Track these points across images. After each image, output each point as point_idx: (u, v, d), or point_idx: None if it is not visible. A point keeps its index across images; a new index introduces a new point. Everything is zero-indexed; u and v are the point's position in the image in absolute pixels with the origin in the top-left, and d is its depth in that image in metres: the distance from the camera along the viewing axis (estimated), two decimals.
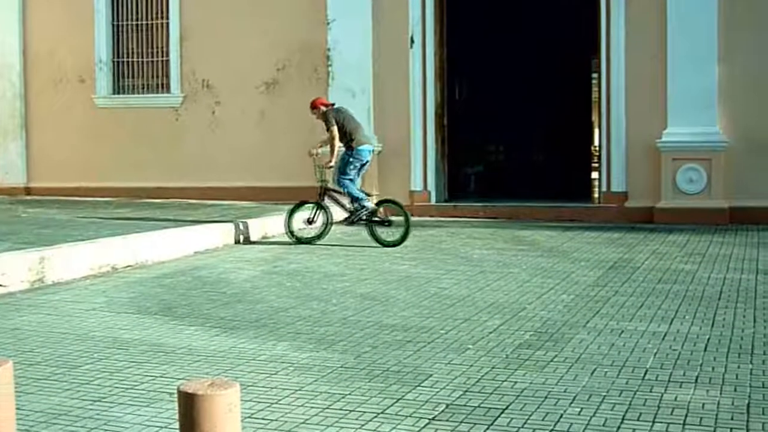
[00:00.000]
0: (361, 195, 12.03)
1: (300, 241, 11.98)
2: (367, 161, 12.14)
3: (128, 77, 17.53)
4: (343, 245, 11.93)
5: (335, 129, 11.80)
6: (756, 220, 13.74)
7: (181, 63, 17.01)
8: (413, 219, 14.98)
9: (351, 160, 11.91)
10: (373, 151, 12.43)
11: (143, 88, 17.48)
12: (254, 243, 12.17)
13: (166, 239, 10.89)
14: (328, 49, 15.75)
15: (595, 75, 17.88)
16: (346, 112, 12.15)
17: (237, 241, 12.05)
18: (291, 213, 12.21)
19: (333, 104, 12.36)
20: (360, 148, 11.93)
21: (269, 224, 12.97)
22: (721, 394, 5.31)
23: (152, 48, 17.31)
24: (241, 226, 12.34)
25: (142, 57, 17.39)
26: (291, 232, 12.08)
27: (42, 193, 17.38)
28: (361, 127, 12.15)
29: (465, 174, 17.89)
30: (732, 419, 4.87)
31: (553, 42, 18.96)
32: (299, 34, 16.20)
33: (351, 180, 12.00)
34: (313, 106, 12.16)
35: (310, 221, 12.18)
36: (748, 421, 4.85)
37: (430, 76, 15.62)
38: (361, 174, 12.32)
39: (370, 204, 12.03)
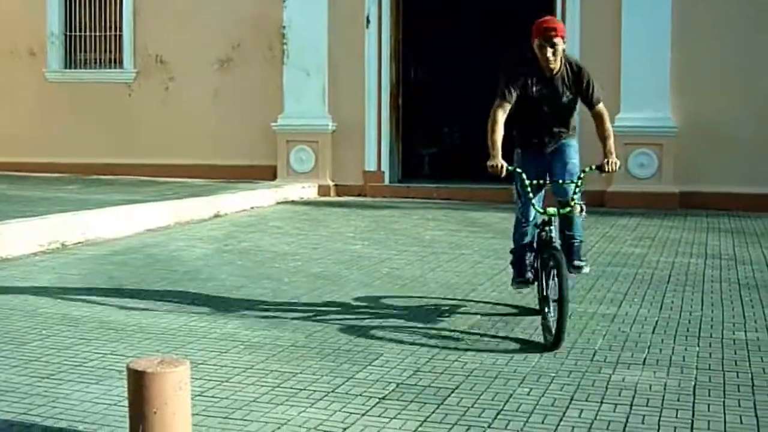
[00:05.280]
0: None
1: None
2: None
3: (80, 51, 17.28)
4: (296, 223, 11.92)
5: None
6: (705, 205, 13.90)
7: (135, 38, 16.82)
8: (366, 200, 15.01)
9: None
10: None
11: (96, 62, 17.26)
12: (206, 221, 12.10)
13: (118, 216, 10.80)
14: (284, 27, 15.64)
15: None
16: None
17: (189, 219, 11.97)
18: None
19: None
20: None
21: (222, 202, 12.90)
22: (668, 375, 5.38)
23: (105, 22, 17.08)
24: (194, 204, 12.25)
25: (95, 31, 17.14)
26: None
27: None
28: None
29: (419, 155, 17.88)
30: (678, 400, 4.94)
31: (509, 24, 18.98)
32: (254, 11, 16.07)
33: None
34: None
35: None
36: (694, 402, 4.91)
37: (386, 56, 15.58)
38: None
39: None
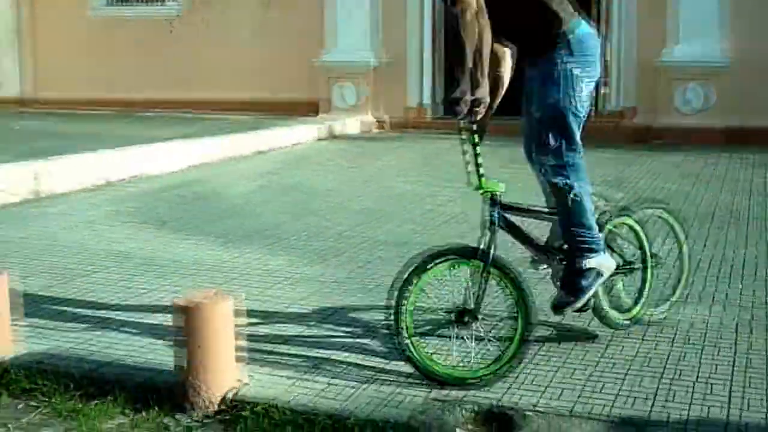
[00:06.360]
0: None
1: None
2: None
3: None
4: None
5: None
6: (754, 142, 13.67)
7: None
8: (410, 134, 14.93)
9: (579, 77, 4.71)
10: None
11: None
12: (250, 157, 12.13)
13: (162, 152, 10.87)
14: None
15: None
16: None
17: (233, 156, 12.00)
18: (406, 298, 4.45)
19: None
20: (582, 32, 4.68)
21: (266, 138, 12.92)
22: (710, 313, 5.37)
23: None
24: (237, 140, 12.29)
25: None
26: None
27: (37, 106, 17.24)
28: None
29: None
30: (720, 338, 4.93)
31: None
32: None
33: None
34: None
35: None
36: (736, 339, 4.91)
37: None
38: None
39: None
